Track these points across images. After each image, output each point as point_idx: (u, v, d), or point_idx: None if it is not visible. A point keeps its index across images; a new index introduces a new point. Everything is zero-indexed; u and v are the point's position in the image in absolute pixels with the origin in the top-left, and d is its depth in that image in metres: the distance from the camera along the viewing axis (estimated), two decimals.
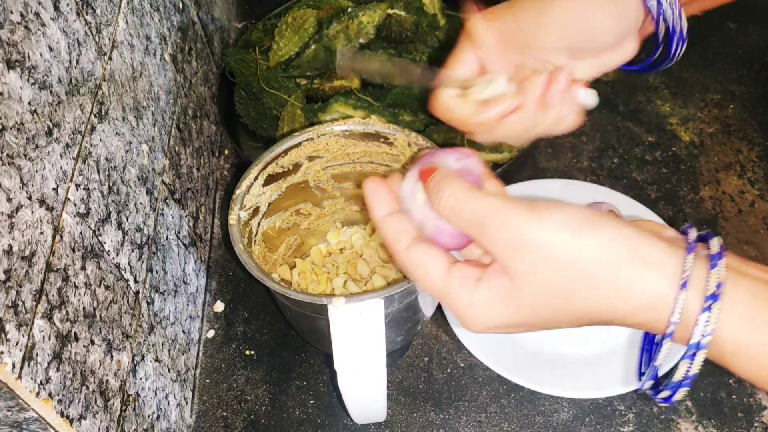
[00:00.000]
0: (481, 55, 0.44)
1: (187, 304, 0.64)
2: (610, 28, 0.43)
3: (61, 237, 0.41)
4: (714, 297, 0.30)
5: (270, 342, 0.67)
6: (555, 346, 0.63)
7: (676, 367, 0.32)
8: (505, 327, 0.36)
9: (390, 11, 0.75)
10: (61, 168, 0.42)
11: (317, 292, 0.63)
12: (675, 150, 0.80)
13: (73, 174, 0.43)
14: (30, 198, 0.38)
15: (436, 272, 0.37)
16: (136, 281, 0.52)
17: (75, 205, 0.43)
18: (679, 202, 0.75)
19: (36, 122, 0.39)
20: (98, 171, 0.47)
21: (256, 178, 0.58)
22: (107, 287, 0.47)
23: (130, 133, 0.54)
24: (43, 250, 0.39)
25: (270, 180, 0.59)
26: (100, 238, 0.46)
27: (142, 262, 0.54)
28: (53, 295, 0.39)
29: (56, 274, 0.40)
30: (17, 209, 0.37)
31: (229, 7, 0.93)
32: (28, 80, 0.39)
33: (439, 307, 0.65)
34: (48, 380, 0.38)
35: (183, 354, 0.62)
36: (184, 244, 0.65)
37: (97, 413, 0.44)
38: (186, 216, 0.66)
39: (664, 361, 0.33)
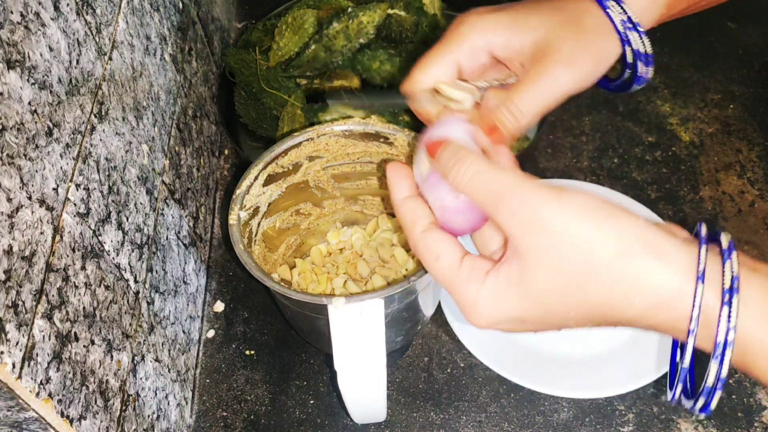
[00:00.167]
0: (460, 58, 0.43)
1: (187, 304, 0.64)
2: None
3: (61, 237, 0.41)
4: (731, 291, 0.30)
5: (270, 342, 0.67)
6: (555, 346, 0.63)
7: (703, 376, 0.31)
8: (510, 322, 0.35)
9: (390, 11, 0.75)
10: (61, 168, 0.42)
11: (317, 292, 0.64)
12: (675, 150, 0.80)
13: (73, 174, 0.43)
14: (30, 198, 0.38)
15: (447, 259, 0.36)
16: (136, 281, 0.52)
17: (75, 205, 0.43)
18: (679, 202, 0.75)
19: (36, 122, 0.39)
20: (98, 171, 0.47)
21: (256, 178, 0.58)
22: (107, 287, 0.47)
23: (130, 133, 0.54)
24: (43, 250, 0.39)
25: (270, 180, 0.59)
26: (100, 238, 0.46)
27: (142, 262, 0.54)
28: (53, 295, 0.39)
29: (56, 274, 0.40)
30: (17, 209, 0.37)
31: (229, 7, 0.93)
32: (28, 80, 0.39)
33: (439, 307, 0.65)
34: (48, 380, 0.38)
35: (183, 354, 0.62)
36: (184, 244, 0.65)
37: (97, 413, 0.44)
38: (186, 216, 0.66)
39: (690, 362, 0.32)
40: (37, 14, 0.41)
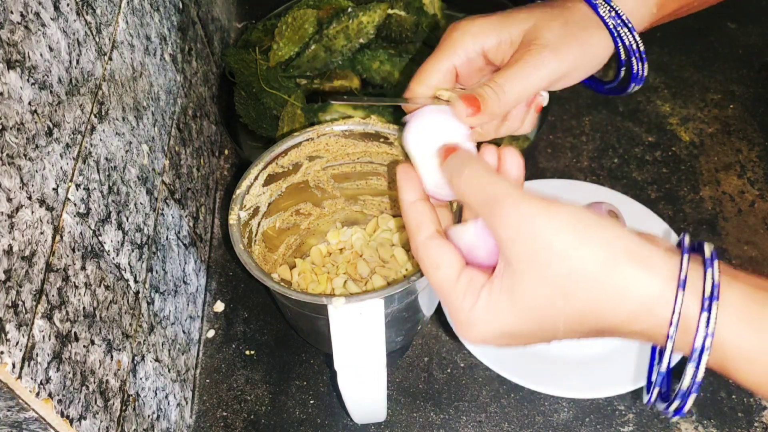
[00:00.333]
0: (456, 63, 0.44)
1: (187, 304, 0.64)
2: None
3: (61, 237, 0.41)
4: (711, 297, 0.30)
5: (270, 342, 0.67)
6: (555, 346, 0.63)
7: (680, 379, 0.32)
8: (502, 338, 0.35)
9: (390, 11, 0.75)
10: (61, 168, 0.42)
11: (317, 292, 0.63)
12: (675, 150, 0.80)
13: (73, 174, 0.43)
14: (30, 198, 0.38)
15: (446, 271, 0.37)
16: (136, 281, 0.52)
17: (75, 205, 0.43)
18: (679, 202, 0.75)
19: (36, 122, 0.39)
20: (98, 171, 0.47)
21: (256, 178, 0.58)
22: (107, 287, 0.47)
23: (130, 133, 0.54)
24: (43, 250, 0.39)
25: (270, 180, 0.59)
26: (100, 238, 0.46)
27: (142, 262, 0.54)
28: (53, 295, 0.39)
29: (56, 274, 0.40)
30: (17, 209, 0.37)
31: (229, 7, 0.93)
32: (28, 80, 0.39)
33: (439, 307, 0.65)
34: (48, 380, 0.38)
35: (183, 354, 0.62)
36: (184, 244, 0.65)
37: (97, 413, 0.44)
38: (186, 216, 0.66)
39: (668, 366, 0.33)
40: (37, 14, 0.41)
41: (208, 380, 0.65)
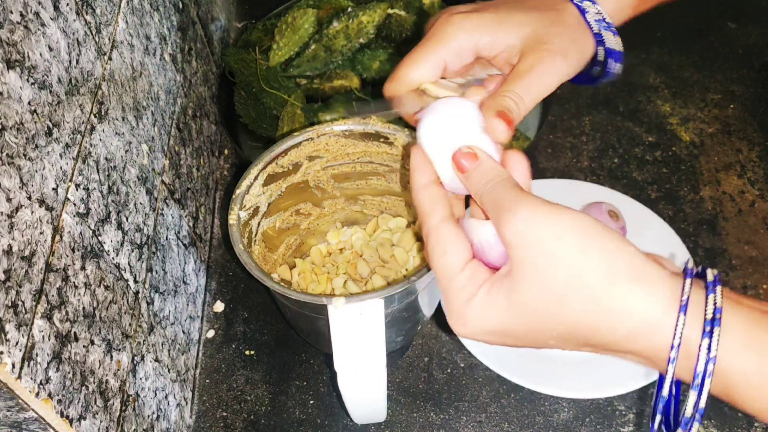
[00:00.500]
0: (447, 57, 0.44)
1: (187, 304, 0.64)
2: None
3: (61, 237, 0.41)
4: (713, 322, 0.30)
5: (270, 342, 0.67)
6: None
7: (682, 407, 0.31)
8: (491, 334, 0.35)
9: (390, 11, 0.75)
10: (61, 168, 0.42)
11: (317, 292, 0.63)
12: (675, 150, 0.80)
13: (72, 174, 0.43)
14: (30, 198, 0.38)
15: (452, 259, 0.36)
16: (135, 281, 0.52)
17: (75, 205, 0.43)
18: (679, 202, 0.75)
19: (36, 122, 0.39)
20: (98, 171, 0.47)
21: (256, 178, 0.57)
22: (107, 287, 0.47)
23: (129, 133, 0.54)
24: (42, 250, 0.39)
25: (270, 180, 0.59)
26: (99, 238, 0.46)
27: (142, 262, 0.54)
28: (53, 295, 0.39)
29: (56, 274, 0.40)
30: (17, 209, 0.36)
31: (229, 7, 0.93)
32: (27, 80, 0.39)
33: (439, 307, 0.65)
34: (48, 380, 0.38)
35: (183, 354, 0.62)
36: (184, 244, 0.65)
37: (97, 413, 0.44)
38: (186, 216, 0.66)
39: (670, 392, 0.32)
40: (37, 14, 0.41)
41: (207, 380, 0.65)
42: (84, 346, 0.43)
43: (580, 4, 0.44)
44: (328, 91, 0.76)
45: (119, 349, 0.48)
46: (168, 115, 0.64)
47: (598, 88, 0.87)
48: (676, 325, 0.30)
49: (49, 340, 0.38)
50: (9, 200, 0.36)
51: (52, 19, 0.42)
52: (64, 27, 0.44)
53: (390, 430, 0.61)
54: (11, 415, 0.36)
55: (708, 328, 0.30)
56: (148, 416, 0.52)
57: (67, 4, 0.45)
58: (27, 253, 0.37)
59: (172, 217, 0.62)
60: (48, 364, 0.38)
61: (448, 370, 0.64)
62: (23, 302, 0.36)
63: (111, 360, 0.47)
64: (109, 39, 0.51)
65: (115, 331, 0.48)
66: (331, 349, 0.47)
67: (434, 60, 0.43)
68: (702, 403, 0.30)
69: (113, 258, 0.48)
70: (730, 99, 0.84)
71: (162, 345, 0.57)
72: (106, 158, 0.49)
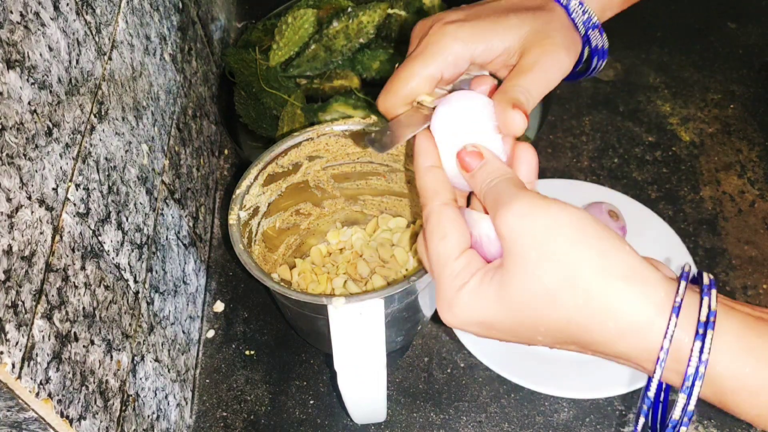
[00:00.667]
0: (443, 69, 0.43)
1: (187, 304, 0.64)
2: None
3: (61, 237, 0.41)
4: (707, 325, 0.29)
5: (270, 342, 0.67)
6: None
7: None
8: (478, 325, 0.35)
9: (390, 11, 0.75)
10: (61, 168, 0.42)
11: (317, 292, 0.63)
12: (675, 150, 0.80)
13: (72, 174, 0.43)
14: (30, 198, 0.38)
15: (451, 243, 0.36)
16: (135, 281, 0.52)
17: (75, 205, 0.43)
18: (679, 202, 0.75)
19: (36, 122, 0.39)
20: (98, 171, 0.47)
21: (256, 178, 0.57)
22: (107, 287, 0.47)
23: (129, 133, 0.54)
24: (42, 250, 0.39)
25: (270, 180, 0.59)
26: (99, 238, 0.46)
27: (142, 262, 0.54)
28: (53, 295, 0.39)
29: (56, 274, 0.40)
30: (17, 209, 0.36)
31: (229, 7, 0.93)
32: (27, 80, 0.39)
33: None
34: (48, 380, 0.38)
35: (183, 354, 0.62)
36: (184, 244, 0.65)
37: (97, 413, 0.44)
38: (186, 216, 0.66)
39: (656, 394, 0.32)
40: (37, 14, 0.41)
41: (207, 380, 0.65)
42: (84, 346, 0.43)
43: (567, 5, 0.44)
44: (328, 91, 0.76)
45: (119, 349, 0.48)
46: (168, 115, 0.64)
47: (598, 89, 0.87)
48: (668, 326, 0.30)
49: (49, 340, 0.38)
50: (9, 200, 0.36)
51: (52, 19, 0.42)
52: (64, 27, 0.44)
53: (390, 430, 0.61)
54: (11, 415, 0.36)
55: (701, 331, 0.29)
56: (148, 416, 0.52)
57: (67, 4, 0.45)
58: (27, 253, 0.37)
59: (172, 217, 0.62)
60: (48, 364, 0.38)
61: (448, 370, 0.64)
62: (23, 302, 0.36)
63: (111, 360, 0.47)
64: (109, 39, 0.51)
65: (115, 331, 0.48)
66: (331, 349, 0.47)
67: (430, 72, 0.43)
68: (691, 407, 0.30)
69: (113, 258, 0.48)
70: (730, 99, 0.84)
71: (162, 345, 0.57)
72: (106, 158, 0.49)
